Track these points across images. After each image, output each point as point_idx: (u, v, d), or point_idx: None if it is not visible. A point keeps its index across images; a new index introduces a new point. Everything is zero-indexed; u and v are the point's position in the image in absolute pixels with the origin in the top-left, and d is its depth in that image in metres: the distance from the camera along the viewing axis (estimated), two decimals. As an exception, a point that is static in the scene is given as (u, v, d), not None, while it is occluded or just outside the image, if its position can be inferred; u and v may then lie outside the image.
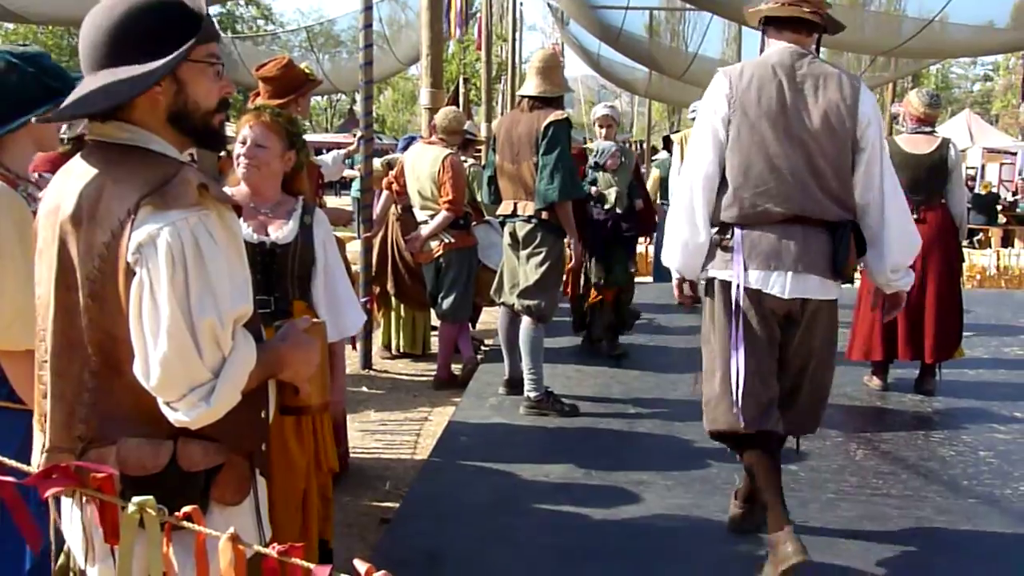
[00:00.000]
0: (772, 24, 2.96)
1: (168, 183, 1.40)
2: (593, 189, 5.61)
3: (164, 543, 1.32)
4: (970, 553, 3.12)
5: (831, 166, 2.80)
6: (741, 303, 2.77)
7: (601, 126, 5.94)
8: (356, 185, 11.15)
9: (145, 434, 1.46)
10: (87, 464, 1.40)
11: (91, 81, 1.45)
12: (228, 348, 1.41)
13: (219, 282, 1.39)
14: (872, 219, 2.88)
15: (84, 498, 1.43)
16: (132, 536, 1.34)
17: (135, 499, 1.32)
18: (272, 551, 1.28)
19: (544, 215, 4.37)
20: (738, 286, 2.77)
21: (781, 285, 2.77)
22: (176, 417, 1.40)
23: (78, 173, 1.48)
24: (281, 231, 2.61)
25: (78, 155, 1.53)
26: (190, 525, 1.31)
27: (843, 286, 2.97)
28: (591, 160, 5.71)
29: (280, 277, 2.61)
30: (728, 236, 2.83)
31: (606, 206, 5.61)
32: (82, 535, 1.49)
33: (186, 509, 1.32)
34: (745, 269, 2.77)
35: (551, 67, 4.50)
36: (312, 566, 1.25)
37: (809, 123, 2.79)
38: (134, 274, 1.38)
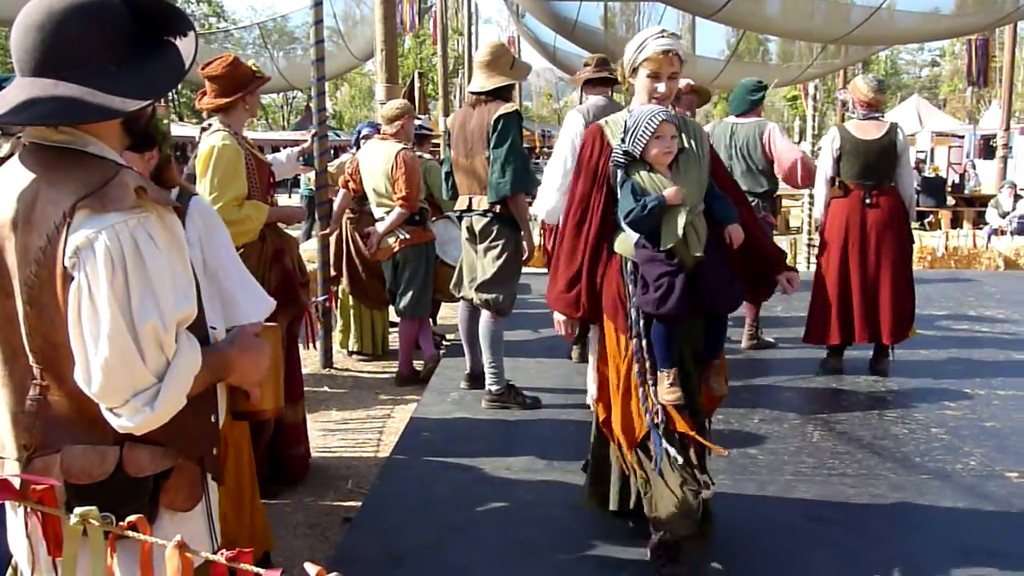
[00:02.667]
0: (588, 83, 4.93)
1: (106, 185, 1.38)
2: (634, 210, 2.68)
3: (108, 553, 1.30)
4: (924, 528, 3.19)
5: None
6: None
7: (655, 76, 2.75)
8: (304, 184, 10.99)
9: (90, 440, 1.44)
10: (28, 476, 1.37)
11: (34, 87, 1.39)
12: (172, 351, 1.39)
13: (161, 285, 1.37)
14: None
15: (27, 510, 1.41)
16: (75, 547, 1.32)
17: (78, 509, 1.30)
18: (221, 557, 1.26)
19: (499, 208, 4.37)
20: None
21: None
22: (120, 423, 1.38)
23: (14, 176, 1.44)
24: None
25: (15, 157, 1.50)
26: (134, 534, 1.29)
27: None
28: (615, 148, 2.77)
29: None
30: None
31: (663, 246, 2.68)
32: (27, 547, 1.46)
33: (131, 518, 1.30)
34: None
35: (495, 59, 4.48)
36: (263, 572, 1.24)
37: None
38: (72, 279, 1.35)
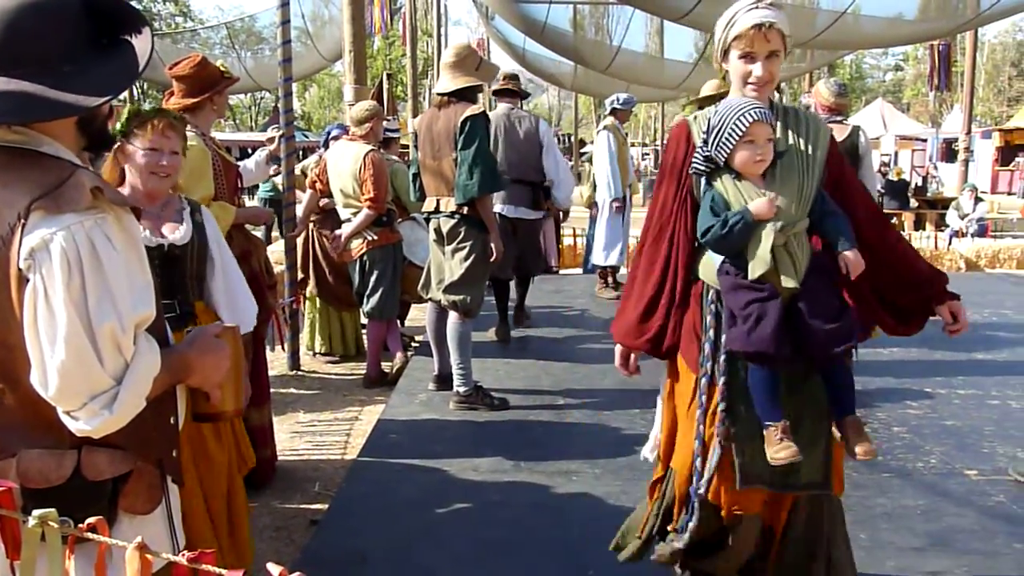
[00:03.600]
0: (496, 94, 6.18)
1: (61, 186, 1.36)
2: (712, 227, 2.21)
3: (67, 556, 1.29)
4: (885, 525, 3.24)
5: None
6: None
7: (748, 57, 2.22)
8: (264, 187, 10.91)
9: (47, 444, 1.42)
10: (-17, 479, 1.35)
11: None
12: (130, 354, 1.37)
13: (118, 286, 1.36)
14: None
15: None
16: (34, 551, 1.30)
17: (36, 512, 1.29)
18: (182, 559, 1.25)
19: (466, 210, 4.37)
20: None
21: None
22: (77, 427, 1.36)
23: None
24: (178, 232, 2.57)
25: None
26: (94, 536, 1.28)
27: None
28: (699, 150, 2.25)
29: (181, 279, 2.58)
30: None
31: (751, 275, 2.18)
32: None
33: (90, 520, 1.29)
34: None
35: (460, 60, 4.48)
36: (224, 572, 1.24)
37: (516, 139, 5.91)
38: (27, 281, 1.34)
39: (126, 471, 1.47)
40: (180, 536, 1.61)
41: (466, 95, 4.42)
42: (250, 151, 6.04)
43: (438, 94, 4.52)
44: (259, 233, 9.69)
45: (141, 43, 1.45)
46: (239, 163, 4.56)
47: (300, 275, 6.05)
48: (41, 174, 1.38)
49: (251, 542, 2.84)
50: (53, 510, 1.29)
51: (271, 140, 5.11)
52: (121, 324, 1.35)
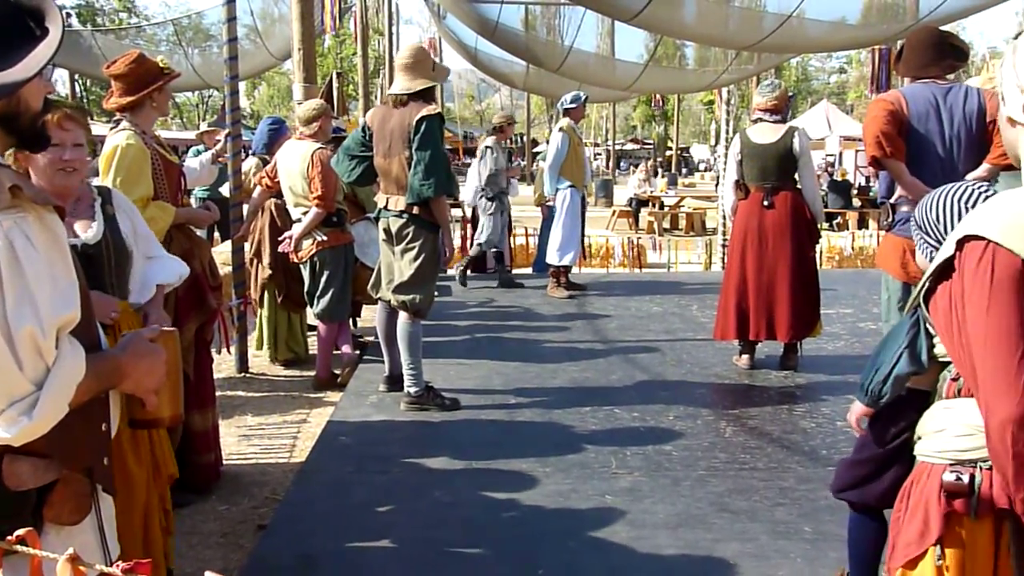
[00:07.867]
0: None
1: None
2: None
3: (-7, 570, 1.24)
4: (829, 517, 3.30)
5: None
6: None
7: None
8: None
9: None
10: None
11: None
12: (51, 358, 1.32)
13: (39, 288, 1.30)
14: None
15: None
16: (-41, 565, 1.25)
17: (-40, 525, 1.24)
18: (116, 570, 1.22)
19: (416, 210, 4.33)
20: None
21: None
22: None
23: None
24: (89, 230, 2.49)
25: None
26: (24, 549, 1.23)
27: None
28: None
29: (98, 279, 2.50)
30: None
31: None
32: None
33: (19, 532, 1.24)
34: None
35: (416, 61, 4.45)
36: (157, 582, 1.21)
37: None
38: None
39: (51, 480, 1.42)
40: (113, 546, 1.56)
41: (422, 95, 4.38)
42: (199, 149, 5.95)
43: (395, 95, 4.45)
44: (202, 233, 9.48)
45: (52, 31, 1.40)
46: (183, 162, 4.47)
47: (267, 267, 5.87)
48: None
49: (172, 556, 2.80)
50: (-21, 523, 1.24)
51: (207, 135, 4.98)
52: (41, 327, 1.30)
